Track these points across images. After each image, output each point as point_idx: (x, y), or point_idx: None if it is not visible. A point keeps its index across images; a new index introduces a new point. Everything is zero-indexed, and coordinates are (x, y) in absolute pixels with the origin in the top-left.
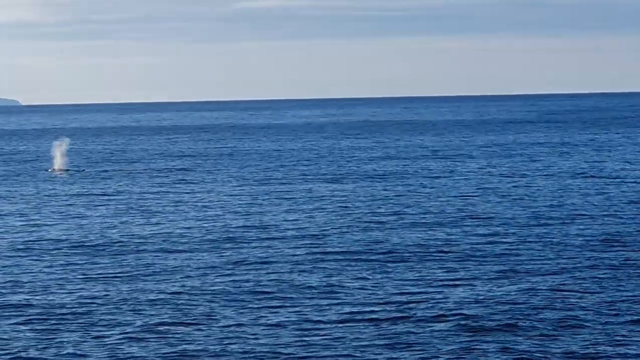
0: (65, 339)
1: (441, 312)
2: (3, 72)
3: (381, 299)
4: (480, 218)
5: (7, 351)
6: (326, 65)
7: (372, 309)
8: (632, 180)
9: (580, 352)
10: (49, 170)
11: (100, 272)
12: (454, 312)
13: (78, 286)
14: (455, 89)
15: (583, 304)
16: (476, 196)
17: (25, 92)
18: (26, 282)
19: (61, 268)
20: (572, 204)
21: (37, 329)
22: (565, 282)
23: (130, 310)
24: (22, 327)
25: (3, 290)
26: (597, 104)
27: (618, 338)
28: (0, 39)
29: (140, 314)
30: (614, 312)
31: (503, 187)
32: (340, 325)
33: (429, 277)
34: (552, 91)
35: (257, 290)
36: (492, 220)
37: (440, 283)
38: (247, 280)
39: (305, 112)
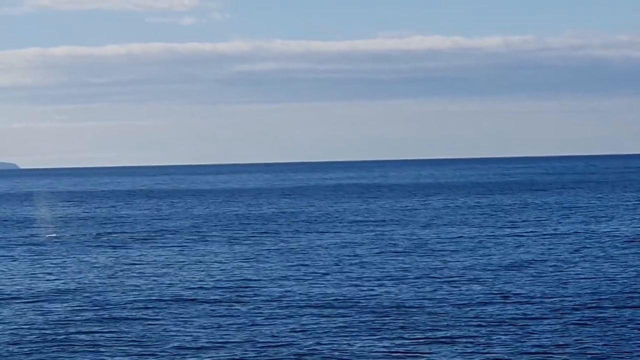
0: None
1: None
2: (1, 135)
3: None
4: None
5: None
6: (324, 127)
7: None
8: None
9: None
10: (47, 236)
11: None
12: None
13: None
14: (451, 151)
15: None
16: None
17: (22, 155)
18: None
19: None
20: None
21: None
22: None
23: None
24: None
25: None
26: (587, 166)
27: None
28: None
29: None
30: None
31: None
32: None
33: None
34: (549, 153)
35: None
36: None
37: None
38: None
39: (307, 175)
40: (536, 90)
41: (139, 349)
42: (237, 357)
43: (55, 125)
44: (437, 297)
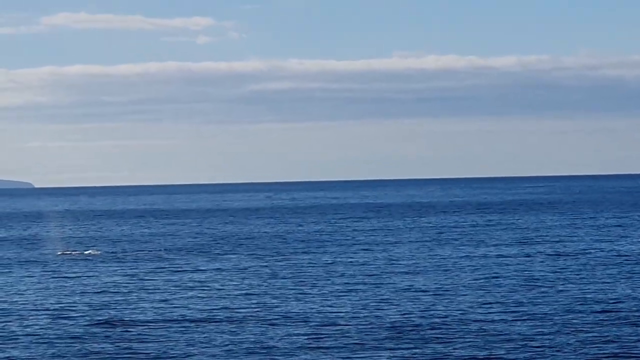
0: None
1: None
2: (16, 154)
3: None
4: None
5: None
6: (338, 146)
7: None
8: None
9: None
10: (58, 253)
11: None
12: None
13: None
14: (467, 171)
15: None
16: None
17: (37, 173)
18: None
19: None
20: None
21: None
22: None
23: None
24: None
25: None
26: (603, 185)
27: None
28: (12, 121)
29: None
30: None
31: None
32: None
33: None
34: (563, 173)
35: None
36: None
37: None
38: None
39: (323, 194)
40: (551, 109)
41: None
42: None
43: (70, 145)
44: (449, 314)
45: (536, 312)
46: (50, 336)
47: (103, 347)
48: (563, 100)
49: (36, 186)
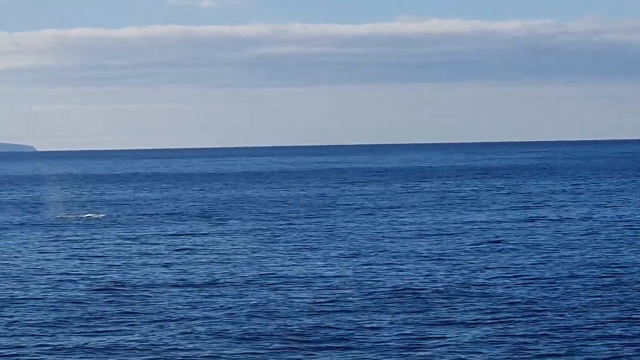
0: None
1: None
2: (19, 117)
3: (388, 344)
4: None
5: None
6: (342, 110)
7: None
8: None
9: None
10: (59, 217)
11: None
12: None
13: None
14: (469, 136)
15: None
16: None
17: (40, 137)
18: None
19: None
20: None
21: None
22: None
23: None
24: None
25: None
26: (612, 151)
27: None
28: (15, 85)
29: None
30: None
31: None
32: None
33: (442, 318)
34: (567, 138)
35: (264, 335)
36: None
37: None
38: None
39: (320, 159)
40: (555, 74)
41: (154, 330)
42: (253, 336)
43: (73, 108)
44: (451, 279)
45: (539, 276)
46: (52, 300)
47: (105, 311)
48: (567, 66)
49: (38, 150)
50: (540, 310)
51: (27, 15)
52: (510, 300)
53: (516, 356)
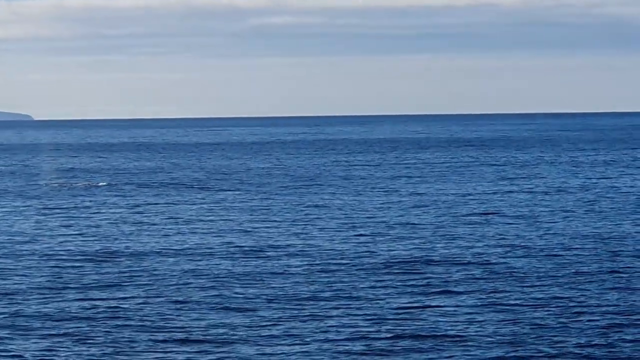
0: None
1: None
2: (16, 87)
3: (379, 312)
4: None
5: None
6: (339, 81)
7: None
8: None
9: None
10: (54, 185)
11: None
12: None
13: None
14: (467, 107)
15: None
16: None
17: (37, 106)
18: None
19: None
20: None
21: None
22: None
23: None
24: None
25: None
26: (607, 123)
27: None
28: (14, 54)
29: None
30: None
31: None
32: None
33: (428, 287)
34: (564, 110)
35: (256, 302)
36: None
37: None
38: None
39: (320, 129)
40: (552, 47)
41: (149, 298)
42: (248, 305)
43: (71, 77)
44: (446, 250)
45: (534, 246)
46: (45, 267)
47: (97, 279)
48: (566, 38)
49: (35, 119)
50: (536, 280)
51: None
52: (506, 270)
53: (512, 325)
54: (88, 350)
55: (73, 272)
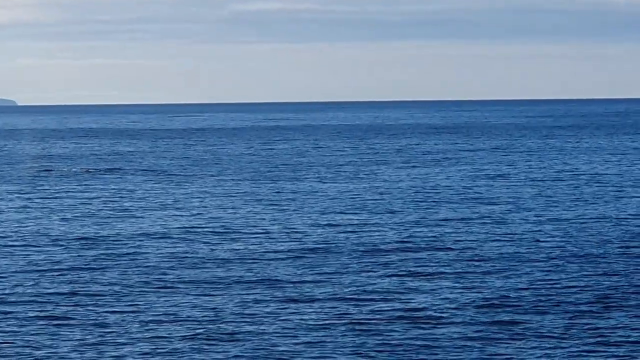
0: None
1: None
2: (1, 72)
3: (359, 296)
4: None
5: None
6: (325, 68)
7: (349, 305)
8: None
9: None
10: (35, 171)
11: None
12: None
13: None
14: (455, 94)
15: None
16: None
17: (22, 92)
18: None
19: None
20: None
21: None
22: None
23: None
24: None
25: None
26: (592, 110)
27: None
28: (0, 39)
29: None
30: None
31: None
32: (320, 323)
33: (411, 273)
34: (552, 97)
35: (240, 281)
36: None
37: (423, 278)
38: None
39: (309, 115)
40: (542, 34)
41: (133, 283)
42: (234, 286)
43: (57, 63)
44: (431, 235)
45: (519, 232)
46: (29, 252)
47: (78, 263)
48: (556, 25)
49: (19, 104)
50: (518, 265)
51: None
52: (490, 255)
53: (492, 308)
54: (72, 334)
55: (53, 256)
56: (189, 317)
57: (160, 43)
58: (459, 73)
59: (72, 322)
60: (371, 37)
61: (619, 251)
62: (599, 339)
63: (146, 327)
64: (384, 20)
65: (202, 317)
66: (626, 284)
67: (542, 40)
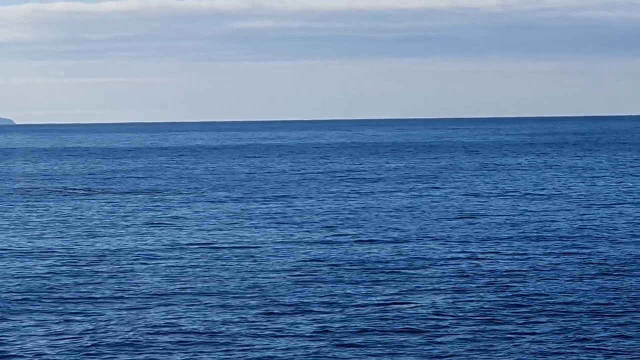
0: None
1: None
2: None
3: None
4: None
5: None
6: (319, 85)
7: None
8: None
9: None
10: (29, 189)
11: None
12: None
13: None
14: (449, 111)
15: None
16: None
17: (19, 110)
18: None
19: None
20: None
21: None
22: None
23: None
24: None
25: None
26: (582, 129)
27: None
28: None
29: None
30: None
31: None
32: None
33: (408, 288)
34: (545, 114)
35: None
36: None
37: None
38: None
39: (301, 134)
40: (534, 51)
41: (128, 300)
42: (231, 304)
43: (53, 81)
44: (423, 252)
45: (511, 250)
46: (17, 272)
47: (71, 282)
48: (546, 42)
49: (17, 123)
50: (510, 281)
51: None
52: (480, 271)
53: (483, 324)
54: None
55: (41, 272)
56: (183, 328)
57: (155, 61)
58: (451, 90)
59: (62, 332)
60: (365, 55)
61: (615, 268)
62: (595, 347)
63: (144, 337)
64: (378, 38)
65: (198, 330)
66: (622, 297)
67: (534, 57)
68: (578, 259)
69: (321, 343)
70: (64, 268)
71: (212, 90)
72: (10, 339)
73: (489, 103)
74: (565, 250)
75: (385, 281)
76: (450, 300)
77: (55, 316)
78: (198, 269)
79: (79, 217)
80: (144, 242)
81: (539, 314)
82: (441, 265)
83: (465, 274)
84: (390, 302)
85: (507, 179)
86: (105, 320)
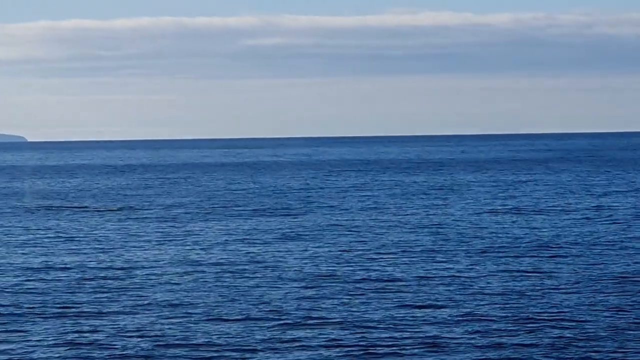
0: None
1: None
2: (10, 108)
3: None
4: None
5: None
6: (332, 102)
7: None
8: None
9: None
10: (40, 206)
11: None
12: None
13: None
14: (460, 128)
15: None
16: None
17: (31, 128)
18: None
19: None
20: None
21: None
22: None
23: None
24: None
25: None
26: (600, 144)
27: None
28: (7, 75)
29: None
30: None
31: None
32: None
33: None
34: (558, 130)
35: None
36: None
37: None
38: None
39: (306, 150)
40: (546, 67)
41: (140, 314)
42: (242, 320)
43: (65, 99)
44: (427, 269)
45: (513, 268)
46: (23, 287)
47: (82, 297)
48: (558, 58)
49: (29, 140)
50: (512, 299)
51: (19, 6)
52: (483, 288)
53: (488, 336)
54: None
55: (49, 289)
56: (195, 341)
57: (166, 78)
58: (464, 107)
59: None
60: (376, 72)
61: (620, 279)
62: None
63: (156, 349)
64: (389, 55)
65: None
66: (624, 318)
67: (546, 73)
68: (593, 274)
69: (334, 356)
70: (76, 282)
71: (224, 107)
72: (23, 351)
73: (501, 119)
74: (579, 266)
75: (395, 296)
76: (462, 316)
77: (69, 327)
78: (209, 284)
79: (91, 233)
80: (155, 258)
81: (549, 328)
82: (452, 280)
83: (477, 291)
84: (401, 316)
85: (522, 195)
86: (117, 333)
